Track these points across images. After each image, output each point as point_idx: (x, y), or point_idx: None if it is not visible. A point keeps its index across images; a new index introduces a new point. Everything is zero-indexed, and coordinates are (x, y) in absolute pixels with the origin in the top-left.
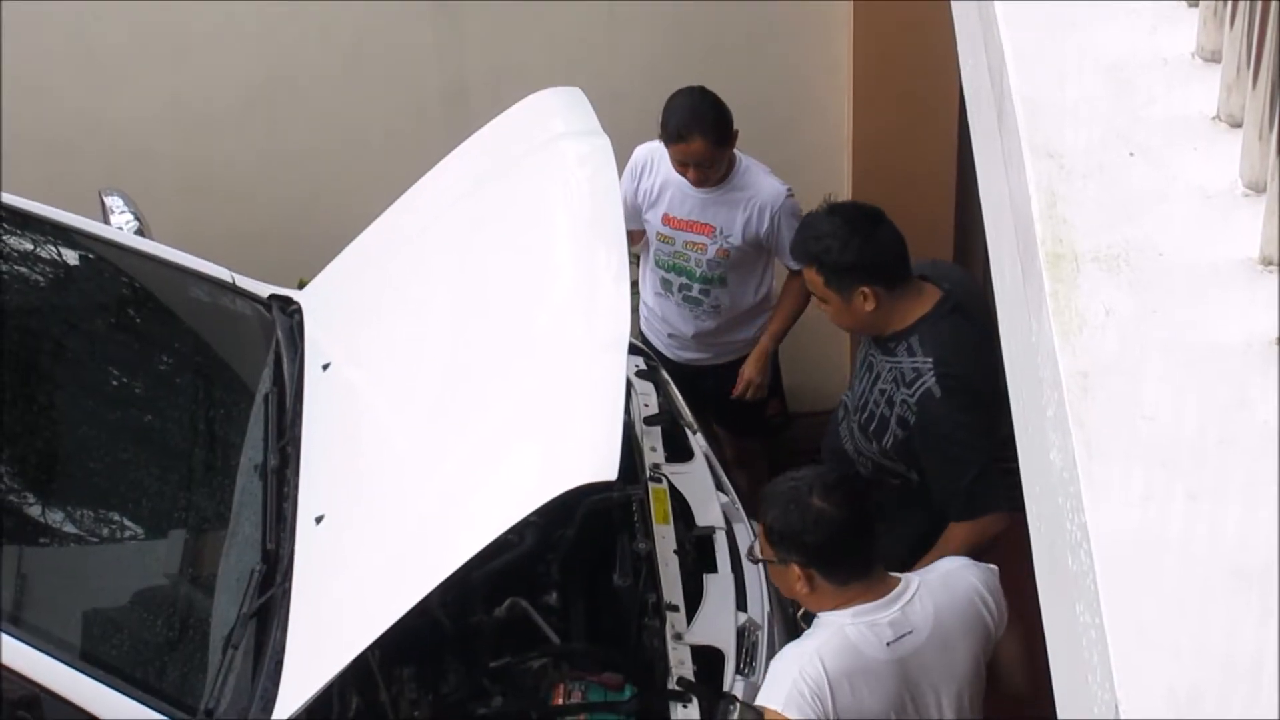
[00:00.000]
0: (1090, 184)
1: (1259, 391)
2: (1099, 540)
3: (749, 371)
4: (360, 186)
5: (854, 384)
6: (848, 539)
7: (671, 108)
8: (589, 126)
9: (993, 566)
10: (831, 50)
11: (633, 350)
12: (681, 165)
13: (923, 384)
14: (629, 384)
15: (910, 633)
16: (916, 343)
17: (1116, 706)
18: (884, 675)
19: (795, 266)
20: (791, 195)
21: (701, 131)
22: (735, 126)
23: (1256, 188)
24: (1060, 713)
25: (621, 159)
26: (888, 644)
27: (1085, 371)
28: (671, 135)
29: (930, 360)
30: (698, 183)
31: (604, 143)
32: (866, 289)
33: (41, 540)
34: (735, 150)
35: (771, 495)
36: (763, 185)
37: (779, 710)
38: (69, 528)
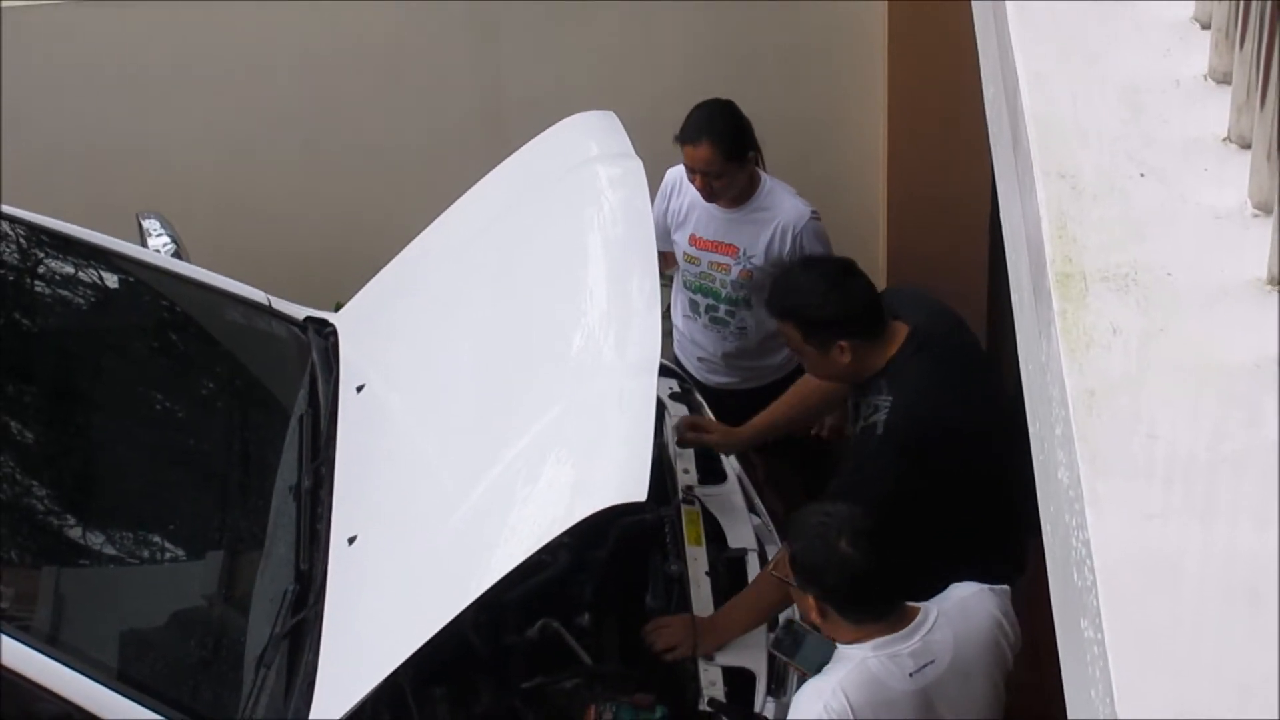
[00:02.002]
0: (1101, 204)
1: (1267, 411)
2: (1101, 557)
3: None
4: (396, 209)
5: (851, 427)
6: (867, 587)
7: (691, 113)
8: (622, 150)
9: (1005, 588)
10: (867, 72)
11: (667, 373)
12: (691, 173)
13: (874, 419)
14: (662, 406)
15: (931, 662)
16: (885, 383)
17: None
18: (906, 706)
19: None
20: (816, 217)
21: (711, 137)
22: (755, 148)
23: (1265, 209)
24: None
25: (655, 178)
26: (910, 674)
27: (1092, 390)
28: (684, 138)
29: (890, 399)
30: (706, 195)
31: (637, 166)
32: (844, 343)
33: (79, 561)
34: (761, 172)
35: (801, 525)
36: (785, 206)
37: None
38: (107, 549)
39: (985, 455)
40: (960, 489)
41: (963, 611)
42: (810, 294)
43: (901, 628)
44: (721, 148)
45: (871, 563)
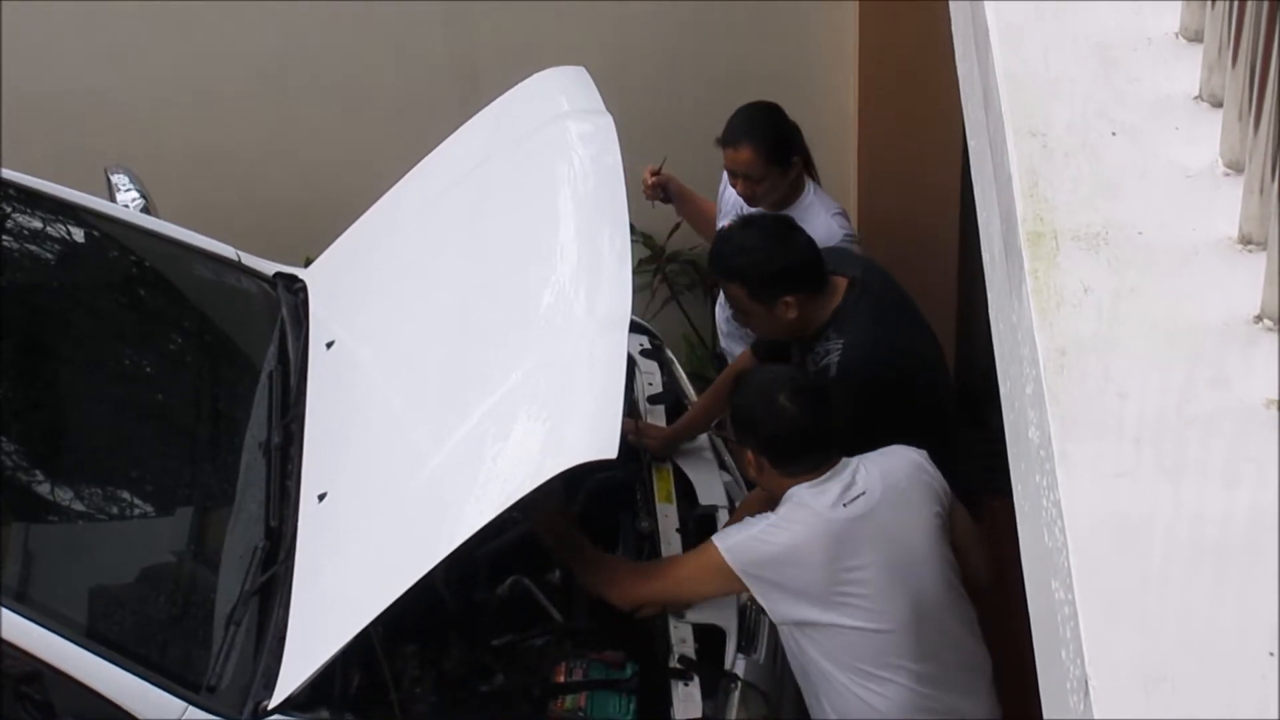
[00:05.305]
0: (1072, 163)
1: (1236, 370)
2: (1072, 517)
3: None
4: (368, 164)
5: None
6: (801, 440)
7: (733, 116)
8: (593, 105)
9: (921, 450)
10: (838, 30)
11: (638, 329)
12: (731, 174)
13: (826, 362)
14: (633, 362)
15: (863, 494)
16: (833, 330)
17: (1087, 682)
18: (843, 534)
19: None
20: (849, 240)
21: (751, 140)
22: (802, 154)
23: (1236, 167)
24: (1041, 686)
25: (627, 137)
26: (844, 505)
27: (1063, 349)
28: (725, 140)
29: (841, 341)
30: (746, 197)
31: (607, 122)
32: (790, 298)
33: (48, 517)
34: (809, 182)
35: (747, 382)
36: (818, 223)
37: (724, 552)
38: (75, 505)
39: (931, 398)
40: (910, 432)
41: (882, 454)
42: (755, 251)
43: (824, 473)
44: (762, 151)
45: (807, 418)
